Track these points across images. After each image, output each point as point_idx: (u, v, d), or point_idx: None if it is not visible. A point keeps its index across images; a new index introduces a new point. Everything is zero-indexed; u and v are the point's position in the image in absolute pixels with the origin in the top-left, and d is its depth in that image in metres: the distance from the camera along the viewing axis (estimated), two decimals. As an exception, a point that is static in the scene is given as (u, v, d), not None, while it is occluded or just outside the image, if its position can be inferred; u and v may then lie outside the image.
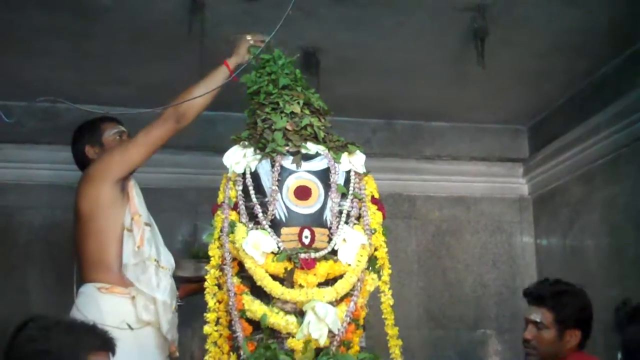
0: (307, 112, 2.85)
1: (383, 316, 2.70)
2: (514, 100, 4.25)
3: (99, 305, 2.79)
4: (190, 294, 3.27)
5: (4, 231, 4.26)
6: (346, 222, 2.68)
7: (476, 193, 4.66)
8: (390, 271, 2.73)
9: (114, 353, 1.86)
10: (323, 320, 2.48)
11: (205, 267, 2.69)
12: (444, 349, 4.31)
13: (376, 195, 2.83)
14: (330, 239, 2.64)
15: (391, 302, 2.71)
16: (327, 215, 2.67)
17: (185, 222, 4.42)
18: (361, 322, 2.67)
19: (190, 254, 3.45)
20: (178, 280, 3.14)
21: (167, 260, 3.03)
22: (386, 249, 2.75)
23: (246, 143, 2.79)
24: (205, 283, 2.66)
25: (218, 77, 2.97)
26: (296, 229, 2.62)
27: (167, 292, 2.95)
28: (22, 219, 4.27)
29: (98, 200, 2.88)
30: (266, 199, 2.68)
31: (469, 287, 4.51)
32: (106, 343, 1.84)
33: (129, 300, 2.85)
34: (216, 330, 2.61)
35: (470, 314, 4.43)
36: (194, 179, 4.38)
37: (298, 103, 2.84)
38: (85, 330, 1.84)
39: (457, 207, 4.63)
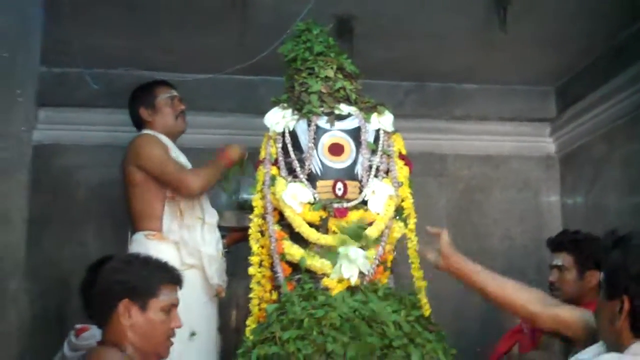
0: (340, 76, 3.13)
1: (409, 260, 3.00)
2: (540, 63, 4.43)
3: (148, 250, 3.02)
4: (235, 243, 3.59)
5: (64, 189, 4.56)
6: (375, 176, 2.98)
7: (504, 152, 4.87)
8: (415, 220, 3.02)
9: (181, 287, 2.16)
10: (354, 262, 2.79)
11: (249, 217, 3.02)
12: (470, 299, 4.57)
13: (403, 152, 3.11)
14: (361, 191, 2.94)
15: (417, 247, 3.01)
16: (358, 169, 2.97)
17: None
18: (389, 264, 2.98)
19: (235, 206, 3.74)
20: (224, 230, 3.47)
21: (212, 216, 3.36)
22: (412, 200, 3.04)
23: (285, 105, 3.09)
24: (250, 230, 2.99)
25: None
26: (330, 182, 2.92)
27: (213, 246, 3.28)
28: (80, 178, 4.56)
29: (137, 175, 3.24)
30: (303, 155, 2.98)
31: (497, 240, 4.75)
32: (175, 277, 2.14)
33: (174, 246, 3.18)
34: (259, 272, 2.95)
35: (497, 265, 4.64)
36: (235, 140, 4.63)
37: (332, 68, 3.12)
38: (158, 266, 2.14)
39: (486, 165, 4.85)
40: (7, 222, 2.15)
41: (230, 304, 4.35)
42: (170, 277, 2.14)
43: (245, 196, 3.76)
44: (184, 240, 3.20)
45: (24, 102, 2.33)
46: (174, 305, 2.12)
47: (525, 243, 4.75)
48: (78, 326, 2.84)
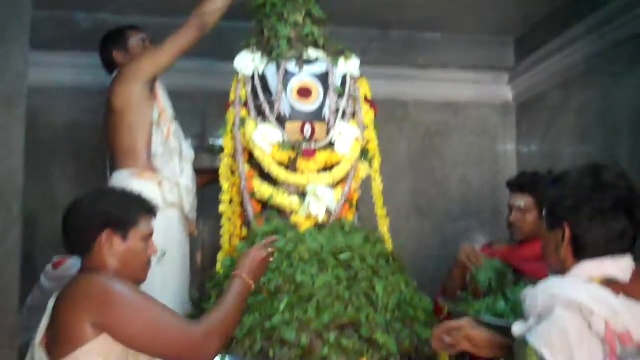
0: (308, 21, 3.22)
1: (373, 199, 3.16)
2: (501, 13, 4.56)
3: (132, 189, 3.22)
4: (205, 184, 3.70)
5: (30, 130, 4.59)
6: (342, 119, 3.11)
7: (464, 99, 5.03)
8: (380, 161, 3.17)
9: (155, 217, 2.28)
10: (322, 200, 2.93)
11: (220, 156, 3.13)
12: (429, 238, 4.79)
13: (369, 96, 3.24)
14: (328, 133, 3.07)
15: (380, 187, 3.17)
16: (326, 112, 3.09)
17: (194, 124, 4.78)
18: (354, 203, 3.13)
19: (205, 149, 3.83)
20: (196, 171, 3.57)
21: (188, 152, 3.47)
22: (377, 142, 3.18)
23: (254, 48, 3.18)
24: (220, 169, 3.11)
25: None
26: (299, 124, 3.05)
27: (190, 179, 3.40)
28: (46, 119, 4.59)
29: (130, 97, 3.27)
30: (272, 98, 3.09)
31: (455, 184, 4.95)
32: (152, 208, 2.27)
33: (157, 184, 3.28)
34: (229, 209, 3.07)
35: (455, 207, 4.89)
36: (202, 84, 4.70)
37: (300, 13, 3.21)
38: (135, 197, 2.26)
39: (446, 111, 5.01)
40: (10, 151, 2.29)
41: (196, 244, 4.48)
42: (148, 207, 2.26)
43: (214, 141, 3.86)
44: (165, 169, 3.30)
45: (21, 37, 2.42)
46: (151, 234, 2.24)
47: (481, 187, 4.95)
48: (55, 258, 2.93)
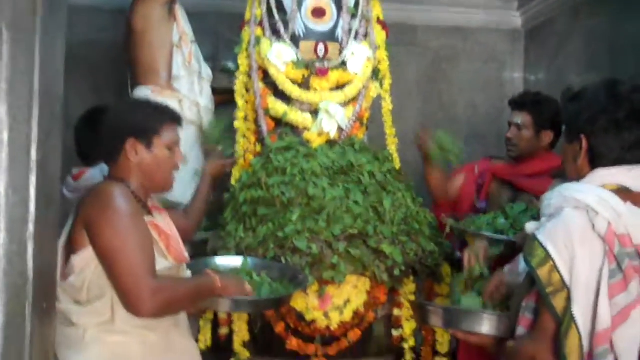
0: (322, -59, 3.25)
1: (383, 119, 3.28)
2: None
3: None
4: (222, 104, 3.78)
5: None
6: (355, 39, 3.19)
7: (473, 24, 5.05)
8: (390, 81, 3.27)
9: (181, 126, 2.34)
10: (334, 117, 3.05)
11: (235, 74, 3.23)
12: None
13: (381, 17, 3.31)
14: (341, 52, 3.16)
15: (390, 107, 3.27)
16: (339, 32, 3.18)
17: (206, 44, 4.82)
18: (364, 121, 3.25)
19: (219, 69, 3.91)
20: (213, 91, 3.67)
21: (207, 73, 3.58)
22: (388, 63, 3.27)
23: (270, -32, 3.22)
24: (235, 87, 3.21)
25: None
26: (312, 43, 3.14)
27: (208, 98, 3.52)
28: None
29: (150, 17, 3.35)
30: (287, 17, 3.16)
31: (461, 108, 5.03)
32: (176, 117, 2.31)
33: (177, 102, 3.38)
34: (244, 126, 3.19)
35: (461, 131, 4.97)
36: (215, 4, 4.72)
37: None
38: (159, 107, 2.32)
39: (455, 37, 5.04)
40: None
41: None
42: (171, 116, 2.30)
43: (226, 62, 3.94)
44: (185, 90, 3.41)
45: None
46: (176, 142, 2.29)
47: (487, 111, 5.03)
48: (75, 170, 3.04)
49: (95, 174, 2.83)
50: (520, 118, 3.28)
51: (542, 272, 1.82)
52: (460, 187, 3.42)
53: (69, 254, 2.12)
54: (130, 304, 2.06)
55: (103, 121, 2.29)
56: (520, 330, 1.94)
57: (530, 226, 1.95)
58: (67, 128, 3.23)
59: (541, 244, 1.83)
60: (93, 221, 2.08)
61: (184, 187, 3.39)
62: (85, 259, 2.08)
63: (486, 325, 2.02)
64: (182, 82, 3.42)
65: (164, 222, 2.28)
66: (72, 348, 2.09)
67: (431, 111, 4.99)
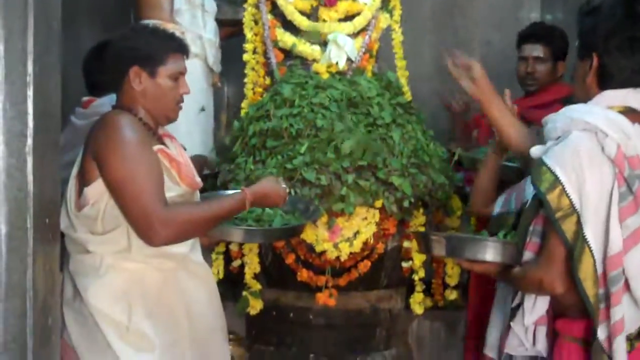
0: None
1: (393, 50, 3.24)
2: None
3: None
4: (229, 36, 3.76)
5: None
6: (364, -32, 3.13)
7: (491, -43, 4.94)
8: (400, 12, 3.22)
9: (187, 56, 2.31)
10: (343, 48, 3.02)
11: (243, 6, 3.20)
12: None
13: (393, -54, 3.24)
14: (350, -18, 3.11)
15: (401, 38, 3.23)
16: (348, -39, 3.12)
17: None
18: (374, 53, 3.21)
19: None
20: (219, 23, 3.64)
21: (211, 5, 3.54)
22: (397, -8, 3.22)
23: None
24: (244, 19, 3.18)
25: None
26: (321, -27, 3.08)
27: (213, 32, 3.49)
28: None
29: None
30: (295, -54, 3.11)
31: (477, 44, 4.94)
32: (182, 46, 2.27)
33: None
34: (253, 58, 3.18)
35: (476, 68, 4.90)
36: None
37: None
38: (165, 35, 2.28)
39: (471, -30, 4.94)
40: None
41: (221, 104, 4.59)
42: (177, 45, 2.26)
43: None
44: (188, 23, 3.39)
45: None
46: (182, 73, 2.25)
47: (503, 49, 4.94)
48: (85, 98, 3.04)
49: (104, 102, 2.83)
50: (538, 50, 3.24)
51: (551, 197, 1.80)
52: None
53: (81, 185, 2.13)
54: (142, 234, 2.07)
55: (108, 49, 2.27)
56: (528, 255, 1.95)
57: (535, 151, 1.93)
58: (77, 64, 3.31)
59: (549, 168, 1.81)
60: (100, 152, 2.09)
61: (201, 134, 3.41)
62: (98, 191, 2.09)
63: (490, 252, 1.99)
64: (184, 16, 3.40)
65: (175, 149, 2.28)
66: (89, 275, 2.12)
67: (446, 47, 4.91)
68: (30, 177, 1.64)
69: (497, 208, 2.23)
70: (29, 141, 1.63)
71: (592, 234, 1.78)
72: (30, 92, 1.60)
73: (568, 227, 1.80)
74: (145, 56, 2.20)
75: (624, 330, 1.77)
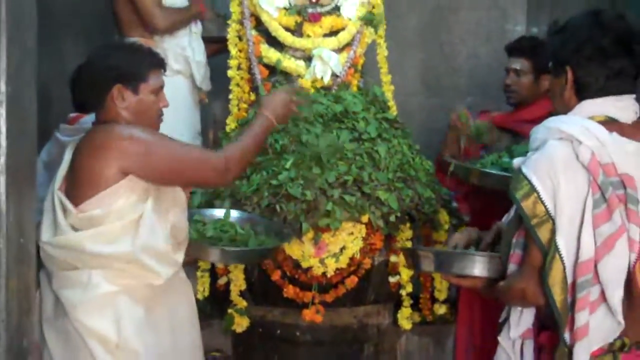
0: None
1: (378, 65, 3.25)
2: None
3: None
4: (215, 53, 3.76)
5: (40, 3, 4.61)
6: (348, -17, 3.14)
7: (474, -28, 4.98)
8: (385, 27, 3.24)
9: (165, 70, 2.35)
10: (327, 63, 3.03)
11: (227, 22, 3.20)
12: (437, 113, 4.85)
13: (375, -39, 3.26)
14: (335, -3, 3.12)
15: (385, 53, 3.24)
16: (331, -25, 3.13)
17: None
18: (359, 67, 3.22)
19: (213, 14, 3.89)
20: (204, 40, 3.65)
21: (197, 26, 3.56)
22: (382, 8, 3.23)
23: None
24: (228, 36, 3.19)
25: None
26: (304, -9, 3.10)
27: (201, 52, 3.52)
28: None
29: None
30: (278, -38, 3.12)
31: (463, 59, 4.97)
32: (161, 62, 2.32)
33: (162, 53, 3.36)
34: (238, 75, 3.18)
35: (463, 82, 4.93)
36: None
37: None
38: (144, 51, 2.31)
39: (456, -16, 4.97)
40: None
41: (208, 121, 4.60)
42: (157, 61, 2.31)
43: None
44: (171, 47, 3.40)
45: None
46: (161, 87, 2.31)
47: (489, 62, 4.97)
48: (72, 115, 3.04)
49: (92, 118, 2.82)
50: (519, 64, 3.27)
51: (527, 204, 1.81)
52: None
53: (72, 196, 2.14)
54: (220, 183, 2.40)
55: (88, 67, 2.29)
56: (512, 267, 1.94)
57: (517, 161, 1.95)
58: (62, 81, 3.31)
59: (525, 177, 1.83)
60: (137, 166, 2.13)
61: None
62: (127, 189, 2.12)
63: (477, 267, 2.00)
64: (169, 42, 3.42)
65: None
66: (77, 291, 2.10)
67: (433, 63, 4.94)
68: (3, 197, 1.65)
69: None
70: (2, 160, 1.64)
71: (564, 240, 1.79)
72: (3, 111, 1.61)
73: (543, 234, 1.81)
74: (127, 74, 2.23)
75: (586, 335, 1.77)
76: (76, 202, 2.13)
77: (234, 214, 2.65)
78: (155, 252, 2.14)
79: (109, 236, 2.11)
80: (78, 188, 2.14)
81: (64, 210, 2.13)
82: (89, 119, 2.81)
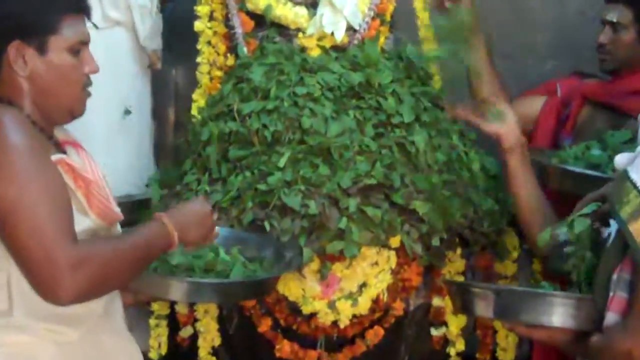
0: None
1: (416, 14, 3.24)
2: None
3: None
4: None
5: None
6: None
7: None
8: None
9: (89, 17, 2.28)
10: (340, 11, 3.00)
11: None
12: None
13: None
14: None
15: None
16: None
17: None
18: (388, 17, 3.20)
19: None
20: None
21: None
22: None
23: None
24: (195, -29, 3.18)
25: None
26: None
27: None
28: None
29: None
30: None
31: (542, 6, 4.98)
32: (80, 6, 2.24)
33: None
34: (209, 27, 3.17)
35: (543, 38, 4.91)
36: None
37: None
38: None
39: None
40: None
41: (167, 95, 4.60)
42: (73, 4, 2.24)
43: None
44: None
45: None
46: (84, 42, 2.23)
47: (580, 10, 4.96)
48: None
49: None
50: (616, 14, 3.26)
51: (638, 227, 1.78)
52: (537, 114, 3.41)
53: None
54: (44, 287, 2.00)
55: None
56: (612, 317, 1.96)
57: (621, 159, 1.93)
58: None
59: (635, 186, 1.80)
60: None
61: (131, 142, 3.42)
62: None
63: (559, 313, 2.02)
64: None
65: (82, 162, 2.24)
66: None
67: (500, 10, 4.93)
68: None
69: (562, 235, 2.22)
70: None
71: None
72: None
73: None
74: (28, 25, 2.17)
75: None
76: None
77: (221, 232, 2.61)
78: None
79: None
80: None
81: None
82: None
